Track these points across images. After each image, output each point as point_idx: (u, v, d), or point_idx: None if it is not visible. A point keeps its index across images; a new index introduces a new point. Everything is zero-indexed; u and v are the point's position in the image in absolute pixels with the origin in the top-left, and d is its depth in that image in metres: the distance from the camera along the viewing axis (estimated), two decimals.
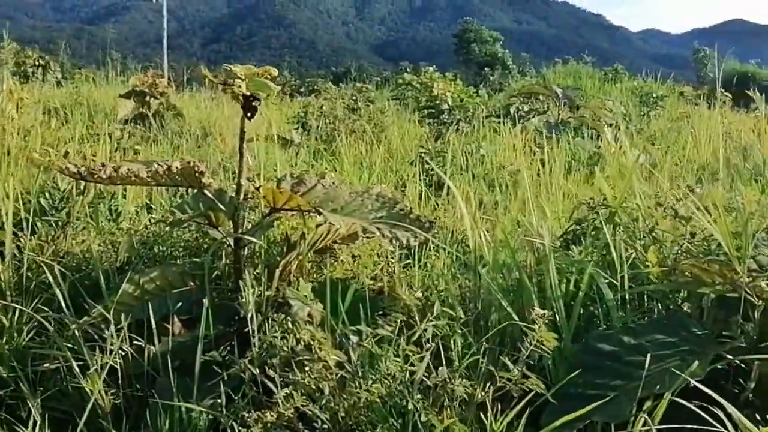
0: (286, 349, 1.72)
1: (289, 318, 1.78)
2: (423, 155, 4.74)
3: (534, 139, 6.40)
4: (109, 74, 12.36)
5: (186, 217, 2.31)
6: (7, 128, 5.56)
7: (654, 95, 10.39)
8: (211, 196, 2.25)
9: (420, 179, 3.95)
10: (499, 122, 7.41)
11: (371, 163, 4.67)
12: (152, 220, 2.90)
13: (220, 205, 2.27)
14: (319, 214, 2.10)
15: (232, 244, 2.28)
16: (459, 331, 1.98)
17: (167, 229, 2.60)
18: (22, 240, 2.60)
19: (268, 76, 2.08)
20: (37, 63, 23.21)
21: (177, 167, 2.07)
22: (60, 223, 2.81)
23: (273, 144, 5.21)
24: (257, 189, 2.18)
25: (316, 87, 17.56)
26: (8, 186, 3.74)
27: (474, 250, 2.30)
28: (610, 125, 6.24)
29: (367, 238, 2.42)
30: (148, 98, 8.27)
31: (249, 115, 2.16)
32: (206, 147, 5.67)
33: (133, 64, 13.21)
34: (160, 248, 2.61)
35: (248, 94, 2.11)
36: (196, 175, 2.11)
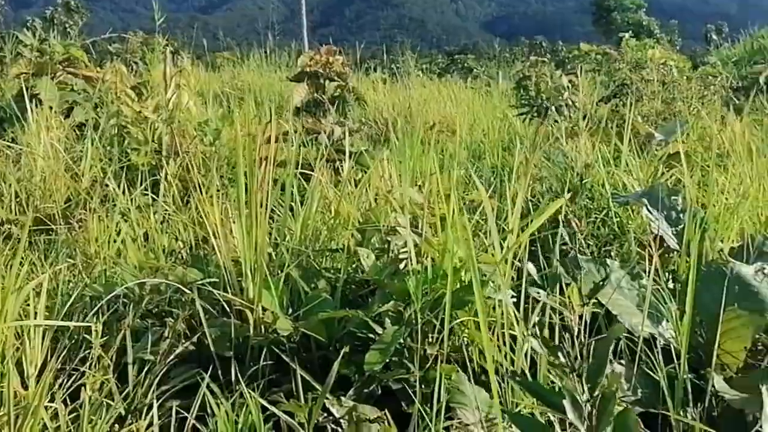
0: None
1: None
2: None
3: None
4: (252, 56, 10.98)
5: None
6: (182, 124, 4.07)
7: None
8: None
9: None
10: None
11: None
12: None
13: None
14: None
15: None
16: None
17: None
18: None
19: None
20: (167, 50, 22.79)
21: None
22: None
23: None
24: None
25: (466, 65, 15.68)
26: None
27: None
28: None
29: None
30: (322, 80, 6.71)
31: None
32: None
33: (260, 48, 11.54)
34: None
35: None
36: None
